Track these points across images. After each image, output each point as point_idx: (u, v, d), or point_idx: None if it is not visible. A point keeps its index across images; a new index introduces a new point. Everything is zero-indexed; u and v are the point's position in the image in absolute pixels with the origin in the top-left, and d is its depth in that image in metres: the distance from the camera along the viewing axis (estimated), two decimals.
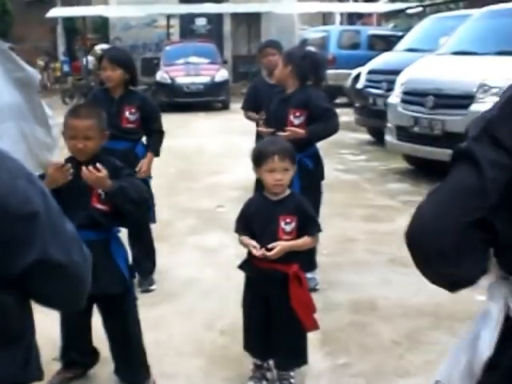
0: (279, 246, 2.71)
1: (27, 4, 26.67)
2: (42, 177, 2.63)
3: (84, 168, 2.63)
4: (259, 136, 5.16)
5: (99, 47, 17.80)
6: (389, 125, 7.45)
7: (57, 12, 20.71)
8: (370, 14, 23.36)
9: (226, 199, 6.28)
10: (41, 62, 22.44)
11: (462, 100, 6.51)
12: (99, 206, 2.75)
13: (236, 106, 15.87)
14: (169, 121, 12.11)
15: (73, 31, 25.28)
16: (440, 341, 3.29)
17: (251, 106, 5.10)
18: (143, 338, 2.93)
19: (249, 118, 5.19)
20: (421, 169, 7.47)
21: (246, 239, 2.78)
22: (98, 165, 2.63)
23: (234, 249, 4.86)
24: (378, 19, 22.46)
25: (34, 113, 5.69)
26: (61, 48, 25.04)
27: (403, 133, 7.15)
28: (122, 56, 4.14)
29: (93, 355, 3.08)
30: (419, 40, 9.64)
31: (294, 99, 3.96)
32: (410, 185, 6.91)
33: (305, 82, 4.00)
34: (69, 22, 25.15)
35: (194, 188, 6.82)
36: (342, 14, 23.34)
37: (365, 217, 5.68)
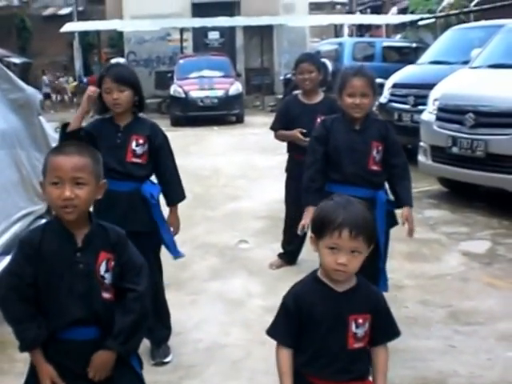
0: None
1: (44, 19, 25.97)
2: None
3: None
4: (293, 158, 4.26)
5: (115, 60, 16.89)
6: (422, 144, 6.43)
7: (72, 26, 19.97)
8: (377, 26, 22.35)
9: (248, 232, 5.29)
10: (62, 79, 21.66)
11: (507, 118, 5.55)
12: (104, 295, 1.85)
13: (249, 118, 15.21)
14: (183, 136, 11.38)
15: (89, 46, 24.49)
16: None
17: (283, 128, 4.31)
18: None
19: (281, 136, 4.35)
20: (457, 192, 6.46)
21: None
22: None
23: (261, 300, 3.93)
24: (387, 31, 21.44)
25: (33, 137, 4.81)
26: (77, 62, 24.17)
27: (439, 153, 6.14)
28: (128, 73, 3.05)
29: None
30: (445, 52, 8.63)
31: (374, 130, 3.05)
32: (450, 212, 5.89)
33: None
34: (85, 36, 24.36)
35: (212, 217, 5.80)
36: (353, 26, 22.36)
37: (408, 254, 4.66)
